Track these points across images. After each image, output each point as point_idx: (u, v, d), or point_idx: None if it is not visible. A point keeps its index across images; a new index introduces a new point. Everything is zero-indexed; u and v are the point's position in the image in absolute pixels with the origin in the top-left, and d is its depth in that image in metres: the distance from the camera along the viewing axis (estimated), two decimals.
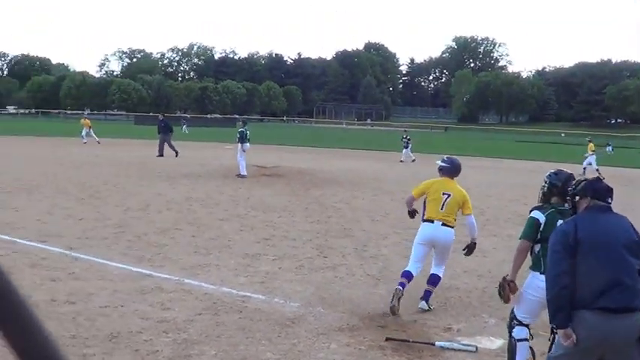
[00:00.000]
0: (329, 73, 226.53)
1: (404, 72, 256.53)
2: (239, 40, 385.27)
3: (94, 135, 57.54)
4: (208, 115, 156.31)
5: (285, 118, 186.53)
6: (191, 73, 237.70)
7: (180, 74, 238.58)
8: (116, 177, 30.32)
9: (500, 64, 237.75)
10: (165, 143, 44.98)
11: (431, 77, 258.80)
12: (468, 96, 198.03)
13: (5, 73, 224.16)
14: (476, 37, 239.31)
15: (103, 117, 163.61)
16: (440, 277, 11.85)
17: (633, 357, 6.55)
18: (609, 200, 6.98)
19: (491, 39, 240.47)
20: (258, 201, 24.11)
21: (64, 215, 19.63)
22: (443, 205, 11.55)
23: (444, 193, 11.62)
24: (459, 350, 9.49)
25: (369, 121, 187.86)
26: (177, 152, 44.08)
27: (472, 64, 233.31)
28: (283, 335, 9.85)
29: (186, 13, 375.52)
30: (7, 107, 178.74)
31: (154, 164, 38.16)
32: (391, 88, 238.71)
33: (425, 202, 11.88)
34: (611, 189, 7.12)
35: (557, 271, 6.63)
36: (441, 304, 11.88)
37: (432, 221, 11.59)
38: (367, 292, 12.49)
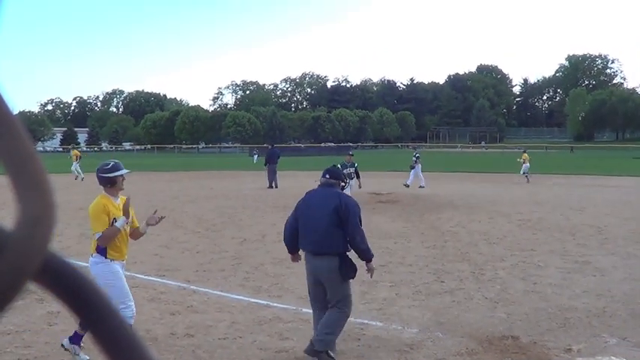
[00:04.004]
0: (442, 97, 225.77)
1: (517, 93, 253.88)
2: (352, 67, 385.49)
3: (79, 170, 52.63)
4: (322, 144, 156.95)
5: (400, 145, 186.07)
6: (304, 103, 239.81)
7: (293, 104, 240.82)
8: (231, 209, 30.66)
9: (614, 81, 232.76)
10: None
11: (545, 97, 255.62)
12: (583, 114, 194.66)
13: (121, 110, 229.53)
14: (589, 54, 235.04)
15: (218, 150, 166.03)
16: None
17: (335, 286, 10.05)
18: (327, 175, 10.68)
19: (604, 55, 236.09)
20: (374, 228, 23.86)
21: (181, 249, 19.99)
22: None
23: None
24: None
25: (483, 143, 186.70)
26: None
27: (586, 82, 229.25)
28: None
29: (298, 43, 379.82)
30: (124, 144, 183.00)
31: (269, 195, 38.42)
32: (505, 110, 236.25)
33: None
34: (329, 169, 11.01)
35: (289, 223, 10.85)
36: (561, 325, 11.70)
37: None
38: (485, 315, 12.39)
